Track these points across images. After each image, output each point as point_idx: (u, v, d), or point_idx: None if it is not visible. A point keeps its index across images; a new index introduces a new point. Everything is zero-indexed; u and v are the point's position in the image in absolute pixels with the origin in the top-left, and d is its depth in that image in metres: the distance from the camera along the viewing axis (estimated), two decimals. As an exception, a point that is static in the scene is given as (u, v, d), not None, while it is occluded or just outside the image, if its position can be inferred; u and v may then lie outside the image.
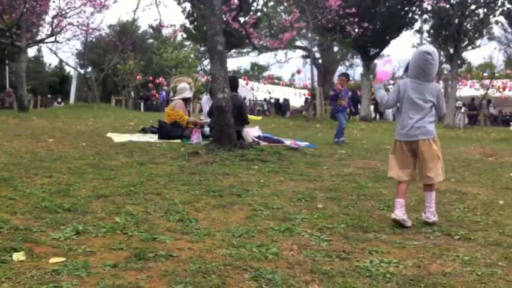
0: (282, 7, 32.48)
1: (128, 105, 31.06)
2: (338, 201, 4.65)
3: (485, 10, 22.49)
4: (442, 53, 28.70)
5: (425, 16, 24.76)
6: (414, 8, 24.54)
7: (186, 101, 10.39)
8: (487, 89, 28.12)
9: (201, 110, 15.35)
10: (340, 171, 6.35)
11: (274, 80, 42.37)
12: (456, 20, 21.83)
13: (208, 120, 9.39)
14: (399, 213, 3.80)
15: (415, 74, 3.92)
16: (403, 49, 71.99)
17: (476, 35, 23.27)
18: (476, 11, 22.51)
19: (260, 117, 21.60)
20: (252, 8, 27.61)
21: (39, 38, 21.31)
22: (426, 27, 25.19)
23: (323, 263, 2.95)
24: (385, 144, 10.37)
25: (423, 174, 3.98)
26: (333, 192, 5.04)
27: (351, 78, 25.92)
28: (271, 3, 31.96)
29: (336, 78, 40.38)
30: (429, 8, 22.81)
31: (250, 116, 19.48)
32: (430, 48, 3.89)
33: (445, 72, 31.94)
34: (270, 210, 4.18)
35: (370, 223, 3.88)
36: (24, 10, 16.36)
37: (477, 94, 29.32)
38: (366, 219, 4.00)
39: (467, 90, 30.69)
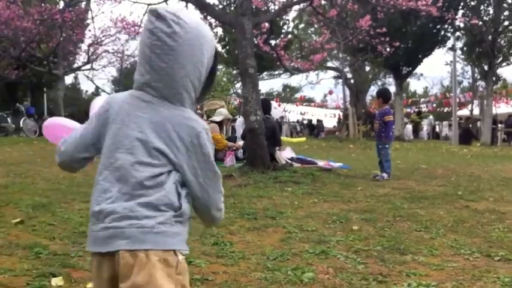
0: (312, 29, 32.61)
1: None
2: (373, 222, 4.59)
3: (519, 26, 22.21)
4: (476, 70, 28.35)
5: (457, 34, 24.54)
6: (446, 26, 24.36)
7: (220, 124, 10.48)
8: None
9: (233, 133, 15.44)
10: (374, 192, 6.29)
11: (305, 102, 42.38)
12: (489, 37, 21.58)
13: (242, 143, 9.44)
14: None
15: (136, 72, 1.63)
16: (436, 67, 71.35)
17: (510, 51, 22.95)
18: (510, 27, 22.24)
19: (304, 139, 21.49)
20: (283, 30, 27.83)
21: (75, 65, 21.90)
22: (459, 44, 24.97)
23: (360, 287, 2.92)
24: (420, 164, 10.23)
25: None
26: (368, 213, 4.99)
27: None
28: (301, 26, 32.15)
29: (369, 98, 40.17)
30: (461, 25, 22.63)
31: (291, 139, 19.49)
32: (166, 7, 1.57)
33: (480, 89, 31.46)
34: (305, 233, 4.16)
35: (407, 245, 3.81)
36: (61, 39, 16.84)
37: (514, 111, 28.75)
38: (402, 240, 3.94)
39: (504, 107, 30.13)
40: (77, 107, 41.14)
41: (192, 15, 1.59)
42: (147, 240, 1.44)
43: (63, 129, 2.48)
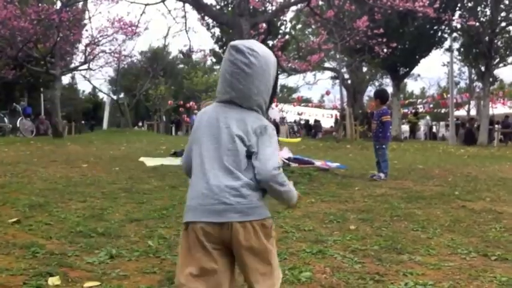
0: (309, 29, 32.62)
1: (159, 130, 31.46)
2: (371, 222, 4.60)
3: (516, 27, 22.26)
4: (473, 71, 28.41)
5: (454, 34, 24.58)
6: (443, 27, 24.40)
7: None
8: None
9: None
10: (372, 192, 6.29)
11: (303, 103, 42.41)
12: (486, 38, 21.63)
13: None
14: None
15: (220, 91, 2.10)
16: (433, 68, 71.50)
17: (507, 52, 23.01)
18: (507, 28, 22.30)
19: (299, 139, 21.52)
20: (280, 31, 27.82)
21: (72, 65, 21.84)
22: (456, 45, 25.02)
23: (356, 286, 2.92)
24: (417, 164, 10.25)
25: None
26: (365, 213, 4.99)
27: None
28: (298, 26, 32.18)
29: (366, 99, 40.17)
30: (458, 26, 22.66)
31: (286, 140, 19.50)
32: (247, 43, 2.06)
33: (477, 90, 31.55)
34: (302, 232, 4.16)
35: (404, 244, 3.82)
36: (58, 39, 16.79)
37: (511, 111, 28.82)
38: (399, 240, 3.95)
39: (501, 107, 30.22)
40: (74, 107, 41.26)
41: (261, 47, 2.07)
42: (251, 213, 1.94)
43: None
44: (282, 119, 27.93)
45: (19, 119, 20.97)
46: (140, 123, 33.00)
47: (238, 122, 2.02)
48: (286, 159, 9.23)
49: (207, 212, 1.93)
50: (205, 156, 2.01)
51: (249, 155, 1.99)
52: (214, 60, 34.38)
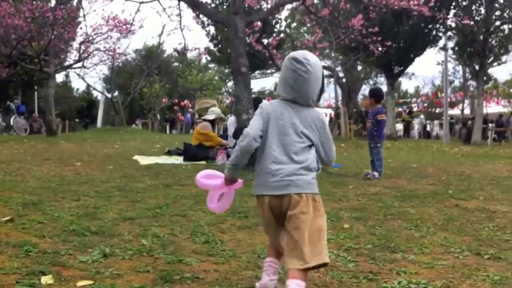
0: (304, 28, 32.64)
1: (154, 128, 31.40)
2: (364, 221, 4.60)
3: (510, 26, 22.35)
4: (467, 69, 28.50)
5: (449, 33, 24.65)
6: (438, 26, 24.46)
7: (213, 122, 10.46)
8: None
9: (225, 131, 15.41)
10: (366, 191, 6.30)
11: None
12: (481, 37, 21.69)
13: (234, 141, 9.44)
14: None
15: (283, 91, 2.66)
16: (427, 67, 71.68)
17: (501, 51, 23.08)
18: (501, 27, 22.36)
19: None
20: (275, 29, 27.85)
21: (67, 63, 21.79)
22: (451, 44, 25.09)
23: (350, 285, 2.92)
24: (411, 163, 10.27)
25: (293, 251, 2.50)
26: (359, 212, 5.00)
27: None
28: (294, 25, 32.19)
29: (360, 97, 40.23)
30: (453, 25, 22.74)
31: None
32: (304, 54, 2.62)
33: (471, 89, 31.63)
34: (296, 231, 4.15)
35: (398, 243, 3.83)
36: (52, 37, 16.74)
37: (505, 110, 28.94)
38: (393, 239, 3.95)
39: (495, 106, 30.33)
40: (68, 105, 41.15)
41: (313, 56, 2.62)
42: (306, 187, 2.54)
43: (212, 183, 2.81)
44: None
45: (13, 117, 20.91)
46: (137, 122, 32.85)
47: (301, 118, 2.60)
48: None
49: (272, 187, 2.53)
50: (272, 143, 2.56)
51: (309, 144, 2.60)
52: (209, 58, 34.37)
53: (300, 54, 2.60)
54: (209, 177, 2.81)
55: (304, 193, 2.51)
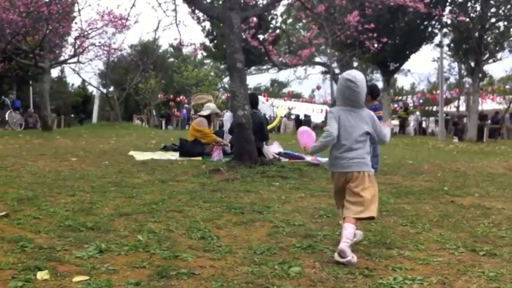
0: (300, 24, 32.61)
1: (149, 124, 31.35)
2: (360, 217, 4.60)
3: (505, 23, 22.39)
4: (463, 66, 28.54)
5: (445, 30, 24.68)
6: (434, 22, 24.47)
7: (208, 118, 10.43)
8: (510, 103, 27.81)
9: (221, 127, 15.40)
10: (361, 187, 6.30)
11: (293, 97, 42.44)
12: (476, 34, 21.72)
13: (229, 137, 9.43)
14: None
15: (342, 102, 3.69)
16: (423, 63, 71.75)
17: (497, 48, 23.12)
18: (497, 24, 22.39)
19: (278, 117, 21.59)
20: (271, 25, 27.82)
21: (62, 58, 21.67)
22: (446, 41, 25.12)
23: (346, 281, 2.93)
24: (406, 159, 10.29)
25: (353, 205, 3.54)
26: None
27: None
28: (289, 21, 32.18)
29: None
30: (449, 22, 22.76)
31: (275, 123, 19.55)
32: (353, 74, 3.65)
33: (467, 85, 31.69)
34: (292, 227, 4.16)
35: (393, 239, 3.84)
36: (47, 32, 16.67)
37: (500, 107, 29.01)
38: (388, 235, 3.97)
39: (490, 103, 30.39)
40: (63, 100, 41.02)
41: (359, 73, 3.67)
42: (364, 167, 3.58)
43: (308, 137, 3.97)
44: (289, 114, 27.68)
45: (8, 112, 20.84)
46: (138, 118, 32.61)
47: (359, 118, 3.64)
48: (276, 153, 9.25)
49: (342, 167, 3.59)
50: (343, 137, 3.59)
51: (366, 136, 3.63)
52: (204, 54, 34.33)
53: (351, 75, 3.63)
54: (306, 136, 3.98)
55: (362, 171, 3.56)
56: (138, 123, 29.97)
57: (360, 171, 3.55)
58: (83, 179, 6.31)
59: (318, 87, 37.83)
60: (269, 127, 10.63)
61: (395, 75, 37.87)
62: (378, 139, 3.76)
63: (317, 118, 34.25)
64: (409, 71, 44.78)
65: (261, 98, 19.82)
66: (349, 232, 3.40)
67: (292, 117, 34.58)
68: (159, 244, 3.53)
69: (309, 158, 9.22)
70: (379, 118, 7.99)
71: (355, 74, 3.64)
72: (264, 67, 36.52)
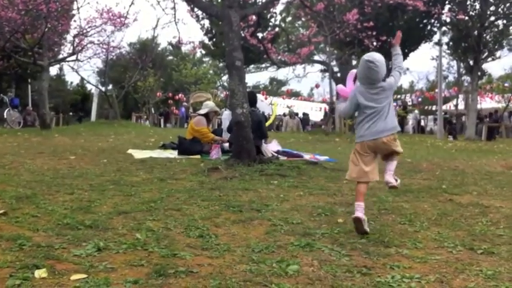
0: (299, 22, 32.58)
1: (148, 121, 31.30)
2: (358, 215, 4.61)
3: (504, 21, 22.35)
4: (462, 65, 28.50)
5: (444, 28, 24.63)
6: (433, 21, 24.46)
7: (207, 116, 10.41)
8: (509, 101, 27.81)
9: (219, 125, 15.38)
10: (360, 186, 6.30)
11: (292, 96, 42.43)
12: (475, 32, 21.69)
13: (228, 135, 9.42)
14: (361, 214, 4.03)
15: (363, 81, 4.21)
16: (422, 62, 71.66)
17: (496, 46, 23.09)
18: (496, 22, 22.36)
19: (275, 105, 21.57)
20: (270, 23, 27.79)
21: (60, 56, 21.64)
22: (445, 39, 25.06)
23: (344, 279, 2.93)
24: (405, 158, 10.29)
25: (389, 154, 4.32)
26: (353, 206, 4.99)
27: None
28: (288, 19, 32.12)
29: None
30: (448, 20, 22.73)
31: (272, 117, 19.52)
32: (372, 55, 4.13)
33: (465, 84, 31.67)
34: (290, 225, 4.17)
35: (391, 238, 3.84)
36: (46, 30, 16.64)
37: (499, 106, 29.00)
38: (386, 233, 3.97)
39: (489, 102, 30.38)
40: (62, 98, 40.95)
41: (378, 55, 4.13)
42: (392, 131, 4.17)
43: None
44: (294, 113, 27.59)
45: (6, 110, 20.78)
46: (145, 116, 32.45)
47: (380, 91, 4.15)
48: (275, 152, 9.25)
49: (372, 135, 4.12)
50: (367, 110, 4.15)
51: (388, 104, 4.17)
52: (203, 52, 34.28)
53: (371, 56, 4.09)
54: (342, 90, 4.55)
55: (389, 135, 4.15)
56: (143, 123, 29.79)
57: (387, 135, 4.18)
58: (82, 177, 6.30)
59: (317, 86, 37.72)
60: (266, 124, 10.61)
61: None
62: (401, 69, 4.40)
63: (316, 116, 34.24)
64: (408, 69, 44.73)
65: (259, 96, 19.84)
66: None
67: (297, 116, 34.55)
68: (158, 242, 3.53)
69: (307, 156, 9.22)
70: None
71: (374, 56, 4.12)
72: (263, 65, 36.44)
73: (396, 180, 4.34)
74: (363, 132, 4.18)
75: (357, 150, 4.22)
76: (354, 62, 34.40)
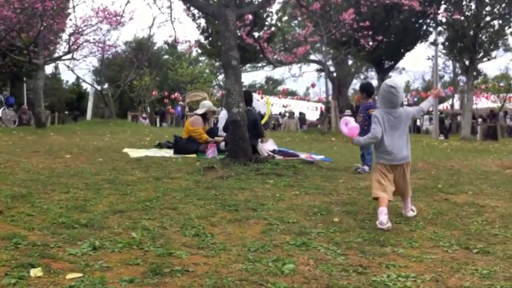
0: (295, 21, 32.59)
1: (148, 121, 31.25)
2: (354, 215, 4.62)
3: (500, 21, 22.38)
4: (457, 64, 28.58)
5: (440, 28, 24.70)
6: (428, 21, 24.53)
7: (204, 116, 10.39)
8: (504, 101, 27.89)
9: (215, 124, 15.37)
10: (356, 185, 6.32)
11: (288, 95, 42.46)
12: (471, 32, 21.72)
13: (224, 135, 9.41)
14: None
15: (384, 105, 4.51)
16: (418, 61, 71.81)
17: (491, 47, 23.13)
18: (492, 23, 22.40)
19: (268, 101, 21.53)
20: (266, 23, 27.75)
21: (56, 55, 21.59)
22: (441, 39, 25.13)
23: (340, 278, 2.93)
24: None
25: (403, 190, 4.64)
26: (349, 206, 5.01)
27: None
28: (285, 18, 32.14)
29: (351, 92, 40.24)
30: (444, 20, 22.77)
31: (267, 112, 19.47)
32: (393, 81, 4.55)
33: (461, 84, 31.76)
34: (286, 225, 4.17)
35: (387, 237, 3.85)
36: (42, 28, 16.59)
37: (494, 106, 29.10)
38: (382, 233, 3.97)
39: (485, 102, 30.48)
40: (57, 97, 40.84)
41: (398, 81, 4.81)
42: (407, 160, 4.58)
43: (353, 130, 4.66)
44: (293, 113, 27.58)
45: (1, 108, 20.76)
46: (144, 115, 32.33)
47: (403, 117, 4.48)
48: (271, 151, 9.24)
49: (389, 160, 4.47)
50: (388, 135, 4.45)
51: (406, 132, 4.55)
52: (199, 51, 34.23)
53: (393, 82, 4.50)
54: (350, 127, 4.65)
55: (406, 162, 4.53)
56: (143, 121, 29.70)
57: (403, 163, 4.55)
58: (77, 176, 6.29)
59: (313, 85, 37.73)
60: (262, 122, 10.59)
61: (390, 73, 37.92)
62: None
63: (312, 116, 34.26)
64: (403, 69, 44.90)
65: (255, 95, 19.77)
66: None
67: (287, 114, 34.55)
68: (153, 241, 3.52)
69: (303, 156, 9.23)
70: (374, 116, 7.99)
71: (396, 82, 4.53)
72: (259, 64, 36.47)
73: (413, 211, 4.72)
74: (387, 156, 4.55)
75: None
76: (350, 62, 34.50)
